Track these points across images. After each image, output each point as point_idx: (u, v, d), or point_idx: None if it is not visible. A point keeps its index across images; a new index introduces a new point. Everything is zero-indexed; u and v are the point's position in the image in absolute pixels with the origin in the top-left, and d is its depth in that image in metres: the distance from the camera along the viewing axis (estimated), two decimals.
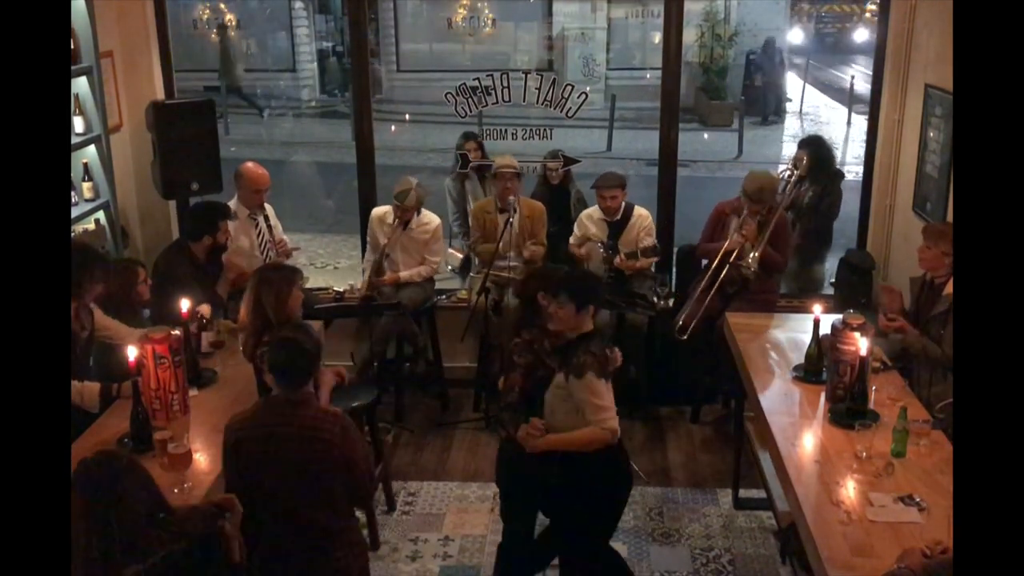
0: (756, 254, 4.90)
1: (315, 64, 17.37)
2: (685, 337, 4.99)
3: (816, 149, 5.68)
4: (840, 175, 5.83)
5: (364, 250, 6.05)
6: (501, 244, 5.42)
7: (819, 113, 16.40)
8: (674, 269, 5.88)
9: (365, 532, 4.45)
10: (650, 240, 5.45)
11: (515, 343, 3.62)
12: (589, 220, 5.64)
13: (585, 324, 3.46)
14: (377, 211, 5.65)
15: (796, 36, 18.90)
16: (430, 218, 5.63)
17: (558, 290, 3.41)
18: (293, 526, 2.98)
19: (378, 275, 5.47)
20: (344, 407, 4.15)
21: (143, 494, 2.44)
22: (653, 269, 5.68)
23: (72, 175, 4.96)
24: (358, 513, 4.51)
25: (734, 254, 4.99)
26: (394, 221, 5.48)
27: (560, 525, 3.73)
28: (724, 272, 5.01)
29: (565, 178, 6.05)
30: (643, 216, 5.59)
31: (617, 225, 5.55)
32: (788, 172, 5.41)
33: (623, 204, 5.55)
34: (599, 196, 5.52)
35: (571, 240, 5.71)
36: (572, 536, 3.67)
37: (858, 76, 16.04)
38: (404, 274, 5.54)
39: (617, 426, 3.43)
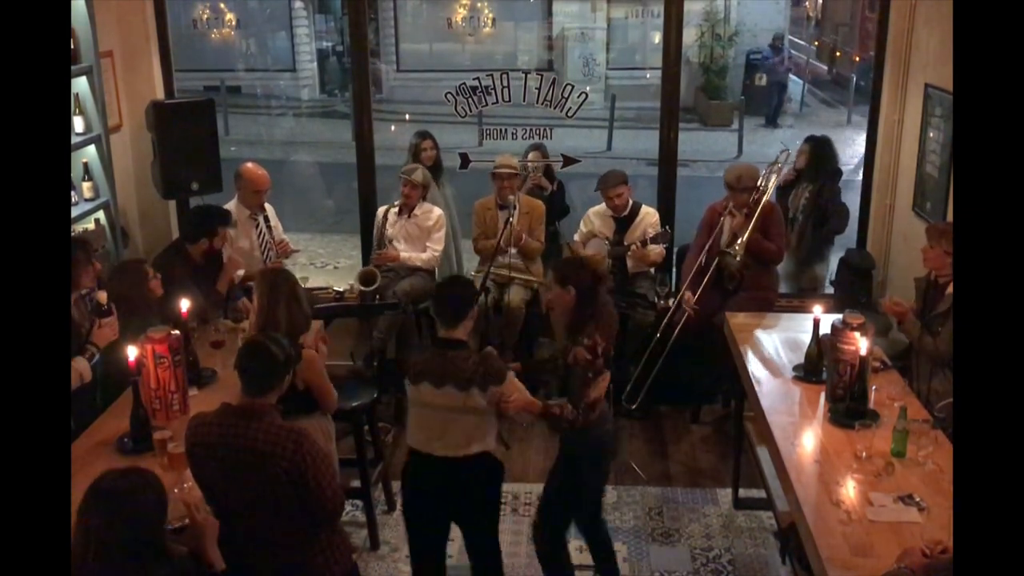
0: (743, 239, 4.92)
1: (315, 64, 17.37)
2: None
3: (817, 147, 5.70)
4: (839, 173, 5.87)
5: (364, 249, 6.05)
6: (501, 241, 5.42)
7: (818, 113, 16.39)
8: (674, 269, 5.87)
9: (364, 532, 4.46)
10: (656, 229, 5.44)
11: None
12: (596, 216, 5.64)
13: None
14: (383, 208, 5.72)
15: None
16: (433, 208, 5.67)
17: None
18: (258, 535, 2.84)
19: (380, 248, 5.56)
20: (344, 407, 4.19)
21: (153, 516, 2.37)
22: (654, 271, 5.68)
23: (72, 175, 4.95)
24: (357, 513, 4.56)
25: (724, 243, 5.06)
26: (398, 207, 5.57)
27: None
28: (714, 265, 5.06)
29: (549, 175, 6.01)
30: (650, 213, 5.60)
31: (624, 221, 5.54)
32: (775, 164, 5.43)
33: (630, 201, 5.54)
34: (605, 197, 5.50)
35: (575, 237, 5.70)
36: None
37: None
38: (404, 254, 5.58)
39: None
